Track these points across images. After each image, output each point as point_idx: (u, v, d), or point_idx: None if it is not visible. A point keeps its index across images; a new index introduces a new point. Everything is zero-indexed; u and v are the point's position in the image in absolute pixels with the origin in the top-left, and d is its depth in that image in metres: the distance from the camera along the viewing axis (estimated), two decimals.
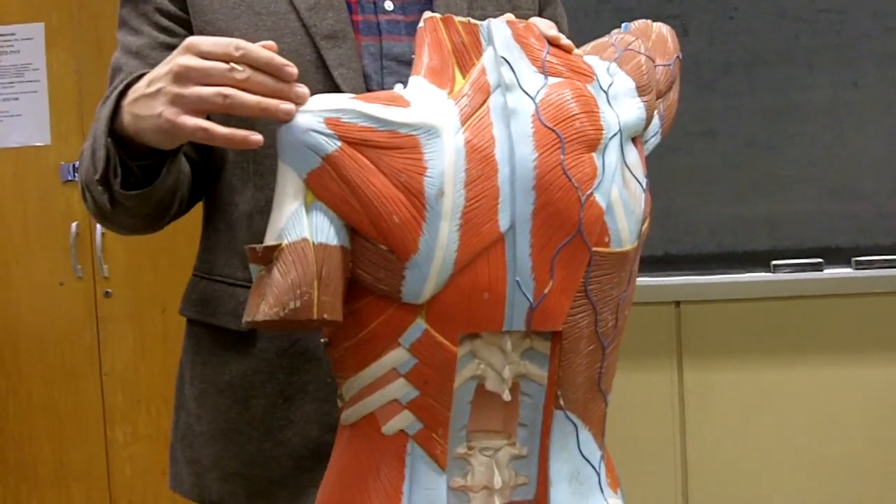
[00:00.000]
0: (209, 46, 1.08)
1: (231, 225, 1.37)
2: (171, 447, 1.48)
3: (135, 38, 1.36)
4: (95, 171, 1.21)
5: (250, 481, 1.37)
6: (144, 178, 1.22)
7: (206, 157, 1.38)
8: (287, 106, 1.06)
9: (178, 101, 1.08)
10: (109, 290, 3.36)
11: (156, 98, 1.11)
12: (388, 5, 1.34)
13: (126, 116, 1.16)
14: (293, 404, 1.34)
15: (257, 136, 1.08)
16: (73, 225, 3.35)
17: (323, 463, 1.27)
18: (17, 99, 3.39)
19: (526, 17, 1.20)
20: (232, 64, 1.06)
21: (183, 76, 1.08)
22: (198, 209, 1.44)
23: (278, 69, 1.07)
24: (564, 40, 1.19)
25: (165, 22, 1.34)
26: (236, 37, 1.23)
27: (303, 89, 1.07)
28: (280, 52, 1.24)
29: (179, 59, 1.09)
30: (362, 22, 1.33)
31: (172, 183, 1.27)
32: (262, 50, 1.08)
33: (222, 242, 1.39)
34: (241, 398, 1.36)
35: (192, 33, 1.31)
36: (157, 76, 1.12)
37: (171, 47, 1.28)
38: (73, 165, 3.33)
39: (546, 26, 1.20)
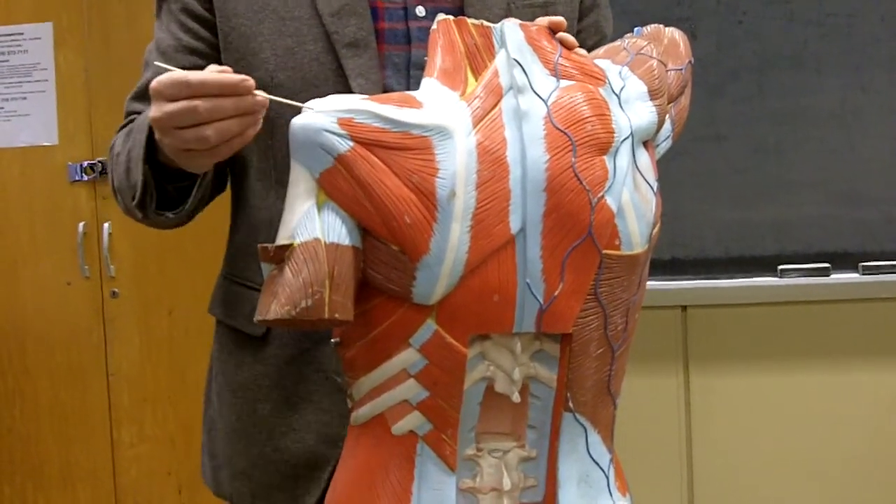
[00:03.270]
0: (166, 91, 1.09)
1: (252, 229, 1.38)
2: (202, 436, 1.52)
3: (163, 35, 1.38)
4: (132, 191, 1.27)
5: (254, 483, 1.39)
6: (179, 195, 1.29)
7: (229, 160, 1.36)
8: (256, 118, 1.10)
9: (176, 148, 1.13)
10: (116, 290, 3.36)
11: (162, 143, 1.16)
12: (420, 10, 1.31)
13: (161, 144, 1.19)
14: (296, 412, 1.35)
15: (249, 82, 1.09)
16: (81, 225, 3.35)
17: (316, 473, 1.33)
18: (25, 99, 3.39)
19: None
20: (192, 102, 1.07)
21: (161, 128, 1.11)
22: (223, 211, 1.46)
23: (234, 87, 1.08)
24: (569, 38, 1.19)
25: (191, 23, 1.35)
26: (260, 41, 1.30)
27: (261, 97, 1.09)
28: (302, 59, 1.29)
29: (151, 112, 1.11)
30: (388, 30, 1.31)
31: (202, 196, 1.31)
32: (210, 77, 1.08)
33: (243, 246, 1.41)
34: (251, 400, 1.38)
35: (216, 36, 1.33)
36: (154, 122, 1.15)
37: (194, 51, 1.35)
38: (81, 166, 3.33)
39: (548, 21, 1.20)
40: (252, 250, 1.34)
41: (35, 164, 3.39)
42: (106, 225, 3.34)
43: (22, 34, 3.38)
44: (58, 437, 3.40)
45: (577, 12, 1.42)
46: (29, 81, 3.39)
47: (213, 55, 1.34)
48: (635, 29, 1.32)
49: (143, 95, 1.33)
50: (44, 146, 3.38)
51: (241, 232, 1.41)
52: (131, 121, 1.37)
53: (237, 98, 1.08)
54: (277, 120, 1.23)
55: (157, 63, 1.19)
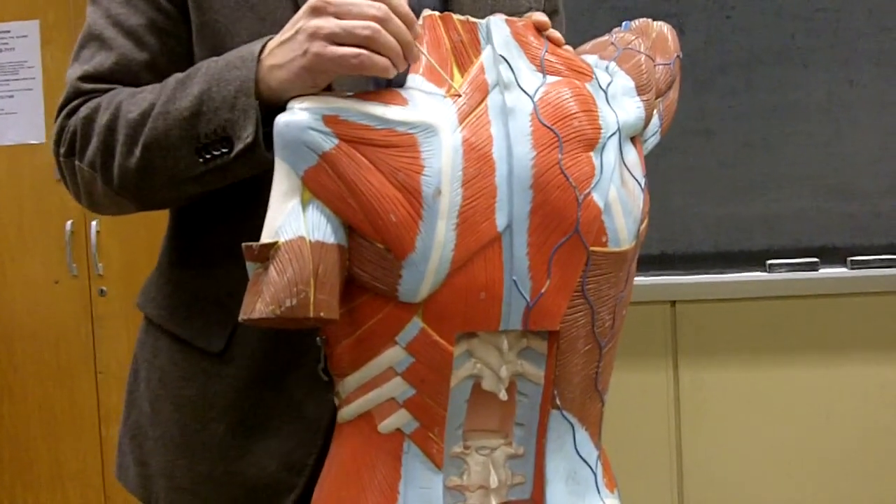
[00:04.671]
0: None
1: (208, 235, 1.31)
2: (119, 436, 1.43)
3: (126, 11, 1.26)
4: (192, 144, 1.15)
5: (199, 499, 1.31)
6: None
7: None
8: (405, 63, 1.08)
9: (320, 35, 1.06)
10: (104, 289, 3.36)
11: (294, 39, 1.08)
12: None
13: (268, 77, 1.11)
14: (253, 436, 1.28)
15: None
16: (68, 223, 3.35)
17: (276, 500, 1.27)
18: (11, 97, 3.38)
19: None
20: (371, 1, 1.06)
21: (322, 10, 1.06)
22: None
23: (412, 22, 1.08)
24: (555, 34, 1.19)
25: (163, 3, 1.25)
26: (236, 41, 1.20)
27: (419, 50, 1.09)
28: None
29: None
30: None
31: None
32: (403, 5, 1.07)
33: (196, 252, 1.34)
34: (199, 417, 1.30)
35: (188, 23, 1.25)
36: (294, 20, 1.09)
37: (165, 32, 1.25)
38: None
39: (538, 15, 1.19)
40: (208, 263, 1.30)
41: (22, 162, 3.38)
42: (94, 223, 3.33)
43: (8, 32, 3.38)
44: (46, 436, 3.40)
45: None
46: (16, 79, 3.38)
47: (186, 41, 1.26)
48: (623, 23, 1.31)
49: (105, 78, 1.25)
50: (31, 144, 3.37)
51: (194, 240, 1.34)
52: (85, 99, 1.25)
53: (407, 31, 1.07)
54: None
55: None
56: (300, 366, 1.24)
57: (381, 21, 1.06)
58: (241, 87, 1.12)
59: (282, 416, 1.27)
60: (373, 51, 1.06)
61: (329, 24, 1.06)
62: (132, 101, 1.20)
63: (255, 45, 1.13)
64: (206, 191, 1.21)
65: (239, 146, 1.12)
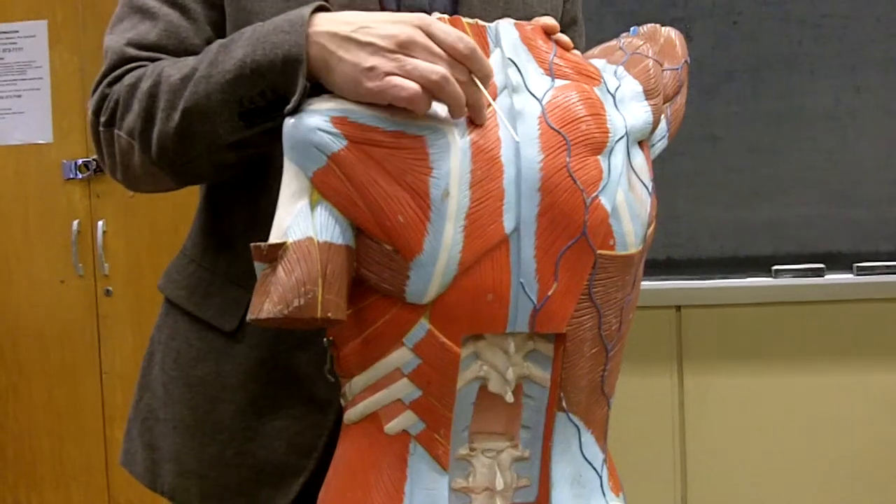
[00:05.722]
0: (441, 33, 1.04)
1: (228, 215, 1.32)
2: (128, 422, 1.43)
3: None
4: (234, 109, 1.12)
5: (206, 483, 1.31)
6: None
7: None
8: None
9: (392, 63, 1.04)
10: (110, 288, 3.36)
11: (364, 48, 1.05)
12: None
13: (313, 46, 1.08)
14: (262, 417, 1.29)
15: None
16: (75, 223, 3.35)
17: (285, 482, 1.28)
18: (19, 96, 3.39)
19: None
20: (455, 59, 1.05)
21: (406, 46, 1.04)
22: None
23: (488, 76, 1.07)
24: (563, 38, 1.19)
25: None
26: (260, 20, 1.17)
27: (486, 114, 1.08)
28: None
29: (409, 29, 1.04)
30: None
31: None
32: (488, 62, 1.06)
33: (217, 232, 1.34)
34: (210, 398, 1.31)
35: (223, 8, 1.25)
36: (375, 31, 1.06)
37: (213, 6, 1.25)
38: (75, 163, 3.33)
39: (546, 19, 1.19)
40: (227, 238, 1.32)
41: (29, 162, 3.39)
42: (100, 223, 3.33)
43: (17, 32, 3.38)
44: (51, 435, 3.40)
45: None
46: (24, 79, 3.39)
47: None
48: (632, 28, 1.31)
49: (152, 46, 1.23)
50: (38, 144, 3.38)
51: (216, 216, 1.34)
52: (130, 67, 1.23)
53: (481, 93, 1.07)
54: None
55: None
56: (311, 346, 1.25)
57: (458, 81, 1.05)
58: (289, 51, 1.08)
59: (292, 397, 1.28)
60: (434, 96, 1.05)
61: (407, 61, 1.04)
62: (174, 66, 1.17)
63: (305, 10, 1.10)
64: (243, 160, 1.19)
65: (288, 108, 1.08)
